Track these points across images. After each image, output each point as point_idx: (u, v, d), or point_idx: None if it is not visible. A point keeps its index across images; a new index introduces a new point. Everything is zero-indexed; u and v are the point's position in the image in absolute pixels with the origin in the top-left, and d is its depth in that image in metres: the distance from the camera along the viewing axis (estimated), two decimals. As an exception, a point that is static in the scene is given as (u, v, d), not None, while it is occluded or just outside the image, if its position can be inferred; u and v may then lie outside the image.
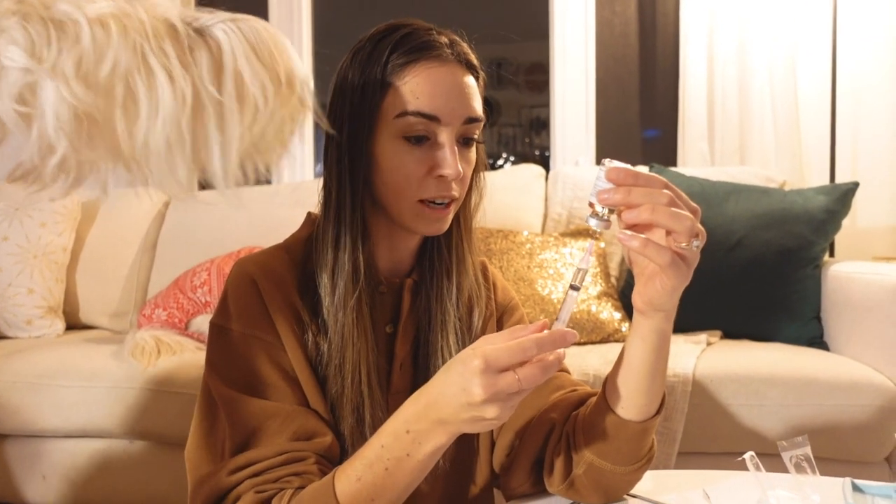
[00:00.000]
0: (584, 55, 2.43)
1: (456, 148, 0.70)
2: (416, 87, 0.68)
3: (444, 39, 0.71)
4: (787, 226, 1.72)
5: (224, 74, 0.53)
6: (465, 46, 0.73)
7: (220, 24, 0.55)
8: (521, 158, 2.69)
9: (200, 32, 0.53)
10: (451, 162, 0.69)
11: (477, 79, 0.73)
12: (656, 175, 0.58)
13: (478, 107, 0.72)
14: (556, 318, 0.60)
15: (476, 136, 0.73)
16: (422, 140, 0.69)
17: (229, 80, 0.53)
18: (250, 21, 0.58)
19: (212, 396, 0.70)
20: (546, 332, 0.57)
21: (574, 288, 0.60)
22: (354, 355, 0.70)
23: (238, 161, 0.55)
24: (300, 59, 0.61)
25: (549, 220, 2.08)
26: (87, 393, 1.54)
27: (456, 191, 0.71)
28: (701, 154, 2.24)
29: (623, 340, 0.69)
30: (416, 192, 0.70)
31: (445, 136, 0.69)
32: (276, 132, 0.56)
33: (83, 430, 1.56)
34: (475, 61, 0.73)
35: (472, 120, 0.71)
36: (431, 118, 0.68)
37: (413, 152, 0.69)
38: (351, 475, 0.61)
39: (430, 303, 0.77)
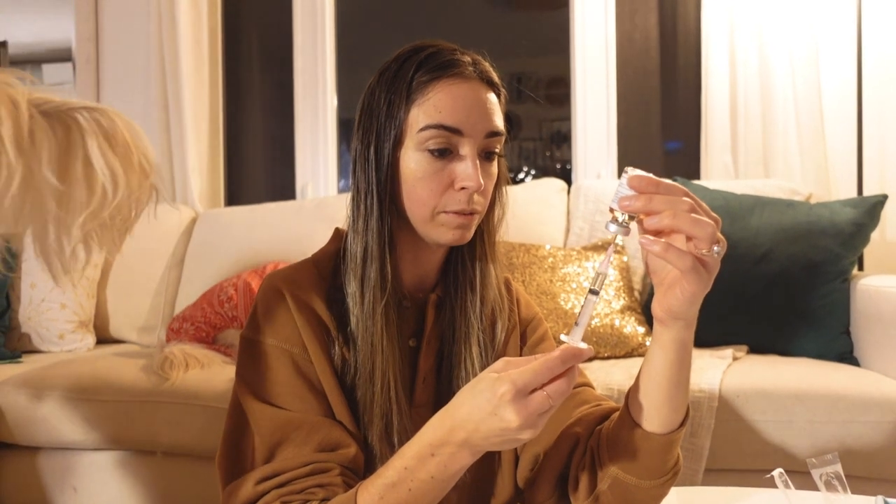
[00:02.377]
0: (605, 68, 2.43)
1: (478, 161, 0.72)
2: (439, 102, 0.71)
3: (467, 58, 0.74)
4: (814, 239, 1.69)
5: (72, 159, 0.54)
6: (487, 65, 0.76)
7: (78, 111, 0.56)
8: (542, 172, 2.69)
9: (49, 116, 0.54)
10: (473, 174, 0.71)
11: (498, 96, 0.76)
12: (677, 184, 0.59)
13: (499, 122, 0.74)
14: (576, 323, 0.60)
15: (497, 151, 0.75)
16: (444, 153, 0.71)
17: (78, 164, 0.54)
18: (107, 111, 0.59)
19: (241, 407, 0.72)
20: (565, 343, 0.58)
21: (593, 292, 0.61)
22: (384, 363, 0.72)
23: (79, 238, 0.56)
24: (152, 148, 0.61)
25: (572, 234, 2.07)
26: (117, 406, 1.57)
27: (478, 203, 0.73)
28: (724, 166, 2.22)
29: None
30: (439, 203, 0.72)
31: (467, 149, 0.71)
32: (122, 217, 0.58)
33: (113, 443, 1.59)
34: (497, 79, 0.76)
35: (494, 134, 0.73)
36: (454, 131, 0.71)
37: (436, 164, 0.71)
38: (374, 493, 0.62)
39: (454, 315, 0.78)
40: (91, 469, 1.61)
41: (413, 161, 0.72)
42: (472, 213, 0.73)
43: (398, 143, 0.73)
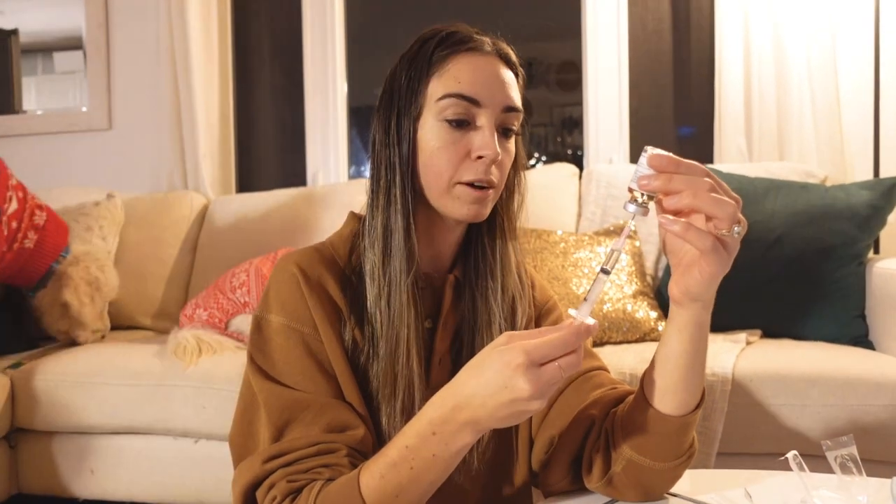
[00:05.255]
0: (617, 52, 2.40)
1: (495, 133, 0.72)
2: (457, 73, 0.71)
3: (486, 38, 0.75)
4: (829, 222, 1.68)
5: None
6: (506, 46, 0.76)
7: None
8: (554, 158, 2.67)
9: None
10: (490, 143, 0.71)
11: (516, 76, 0.76)
12: (697, 163, 0.58)
13: (516, 98, 0.74)
14: (585, 299, 0.59)
15: (515, 128, 0.75)
16: (462, 124, 0.72)
17: None
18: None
19: (252, 386, 0.73)
20: (573, 321, 0.57)
21: (604, 271, 0.60)
22: (408, 336, 0.72)
23: None
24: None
25: (583, 219, 2.06)
26: (132, 391, 1.59)
27: (494, 175, 0.72)
28: (738, 150, 2.19)
29: (659, 339, 0.69)
30: (455, 174, 0.72)
31: (484, 120, 0.72)
32: None
33: (128, 427, 1.61)
34: (515, 59, 0.76)
35: (511, 109, 0.73)
36: (471, 101, 0.71)
37: (453, 134, 0.72)
38: (375, 472, 0.62)
39: (476, 302, 0.78)
40: (107, 452, 1.63)
41: (430, 131, 0.72)
42: (488, 187, 0.72)
43: (418, 115, 0.73)
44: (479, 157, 0.71)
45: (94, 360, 1.67)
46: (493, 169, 0.72)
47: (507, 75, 0.74)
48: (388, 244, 0.73)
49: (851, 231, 1.67)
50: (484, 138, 0.71)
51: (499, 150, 0.71)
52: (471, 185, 0.72)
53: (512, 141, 0.75)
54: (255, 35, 2.84)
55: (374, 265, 0.73)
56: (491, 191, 0.73)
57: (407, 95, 0.73)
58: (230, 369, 1.57)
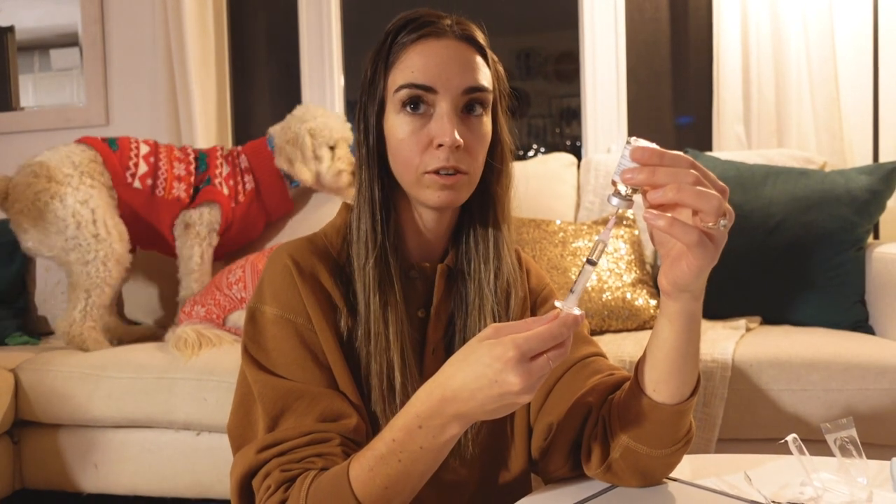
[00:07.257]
0: (615, 42, 2.39)
1: (456, 118, 0.71)
2: (412, 63, 0.71)
3: (447, 21, 0.73)
4: (829, 207, 1.67)
5: None
6: (472, 27, 0.75)
7: None
8: (552, 149, 2.67)
9: None
10: (447, 129, 0.70)
11: (484, 57, 0.74)
12: (682, 154, 0.57)
13: (480, 77, 0.73)
14: (571, 290, 0.59)
15: (481, 109, 0.73)
16: (418, 108, 0.71)
17: None
18: None
19: (248, 377, 0.73)
20: (559, 313, 0.57)
21: (590, 262, 0.59)
22: (395, 324, 0.72)
23: None
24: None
25: (582, 209, 2.06)
26: (135, 383, 1.60)
27: (462, 161, 0.72)
28: (737, 137, 2.19)
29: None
30: (421, 163, 0.72)
31: (443, 107, 0.71)
32: None
33: (131, 420, 1.61)
34: (480, 39, 0.75)
35: (473, 90, 0.72)
36: (426, 89, 0.71)
37: (414, 124, 0.72)
38: (364, 465, 0.62)
39: (469, 288, 0.78)
40: (110, 446, 1.64)
41: (394, 124, 0.73)
42: (455, 173, 0.71)
43: (382, 110, 0.74)
44: (440, 145, 0.71)
45: (98, 353, 1.69)
46: (460, 154, 0.71)
47: (467, 56, 0.72)
48: (365, 236, 0.74)
49: (850, 216, 1.66)
50: (441, 126, 0.70)
51: (457, 136, 0.70)
52: (437, 172, 0.71)
53: (482, 121, 0.74)
54: (252, 29, 2.83)
55: (360, 254, 0.74)
56: (462, 176, 0.72)
57: (370, 90, 0.74)
58: (230, 362, 1.58)
